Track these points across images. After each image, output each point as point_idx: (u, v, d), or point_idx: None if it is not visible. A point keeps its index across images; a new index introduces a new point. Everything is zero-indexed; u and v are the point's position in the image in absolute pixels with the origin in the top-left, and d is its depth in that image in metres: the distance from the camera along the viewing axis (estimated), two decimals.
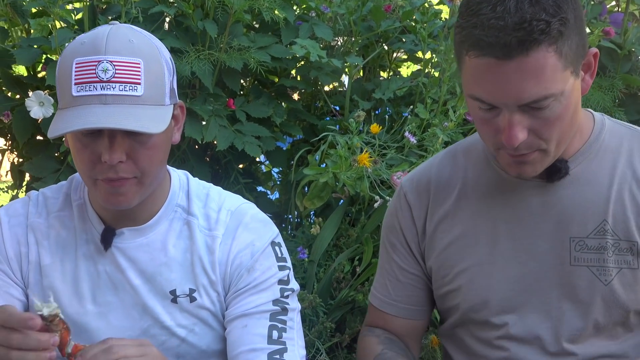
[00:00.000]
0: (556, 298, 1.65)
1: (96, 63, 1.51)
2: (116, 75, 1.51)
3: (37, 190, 1.77)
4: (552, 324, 1.65)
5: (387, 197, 2.93)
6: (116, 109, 1.50)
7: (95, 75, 1.51)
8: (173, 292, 1.68)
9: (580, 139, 1.66)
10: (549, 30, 1.41)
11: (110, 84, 1.51)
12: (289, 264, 1.76)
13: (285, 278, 1.73)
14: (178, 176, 1.76)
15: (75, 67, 1.52)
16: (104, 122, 1.49)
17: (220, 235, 1.70)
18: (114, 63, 1.51)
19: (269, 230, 1.76)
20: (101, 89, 1.50)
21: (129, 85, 1.52)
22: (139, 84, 1.53)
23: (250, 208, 1.77)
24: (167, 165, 1.74)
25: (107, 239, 1.68)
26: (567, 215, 1.63)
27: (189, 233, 1.70)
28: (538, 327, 1.66)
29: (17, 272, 1.70)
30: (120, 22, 1.61)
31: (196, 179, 1.79)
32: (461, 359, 1.77)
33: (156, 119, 1.54)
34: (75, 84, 1.51)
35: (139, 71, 1.53)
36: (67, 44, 2.84)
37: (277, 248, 1.74)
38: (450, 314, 1.77)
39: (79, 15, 3.18)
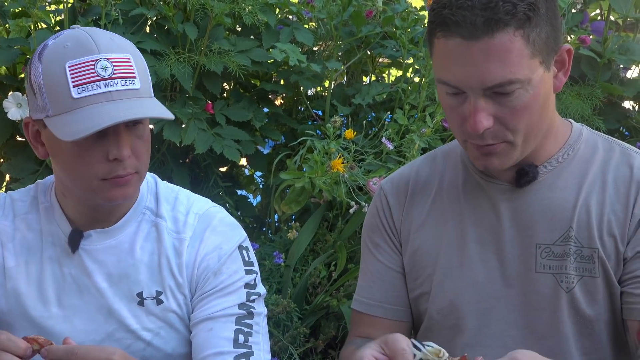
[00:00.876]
0: (522, 305, 1.64)
1: (94, 62, 1.53)
2: (115, 71, 1.53)
3: (5, 193, 1.77)
4: (519, 332, 1.65)
5: (364, 203, 2.94)
6: (124, 103, 1.53)
7: (95, 74, 1.52)
8: (140, 295, 1.68)
9: (554, 145, 1.65)
10: (515, 12, 1.42)
11: (112, 80, 1.53)
12: (256, 268, 1.76)
13: (252, 282, 1.73)
14: (146, 179, 1.76)
15: (70, 70, 1.52)
16: (126, 115, 1.51)
17: (187, 238, 1.71)
18: (111, 60, 1.54)
19: (237, 234, 1.76)
20: (105, 86, 1.52)
21: (128, 79, 1.55)
22: (135, 77, 1.56)
23: (218, 212, 1.77)
24: None
25: (74, 241, 1.68)
26: (535, 222, 1.63)
27: (156, 235, 1.70)
28: (505, 335, 1.65)
29: None
30: (100, 24, 1.63)
31: (165, 182, 1.80)
32: None
33: (160, 107, 1.58)
34: (75, 85, 1.52)
35: (132, 65, 1.56)
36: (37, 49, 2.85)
37: (244, 252, 1.75)
38: (422, 318, 1.76)
39: (58, 17, 3.18)
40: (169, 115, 1.56)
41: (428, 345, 1.34)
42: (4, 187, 3.53)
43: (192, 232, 1.71)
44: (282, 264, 2.94)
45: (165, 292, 1.69)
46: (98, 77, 1.52)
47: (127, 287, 1.69)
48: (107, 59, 1.54)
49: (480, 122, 1.48)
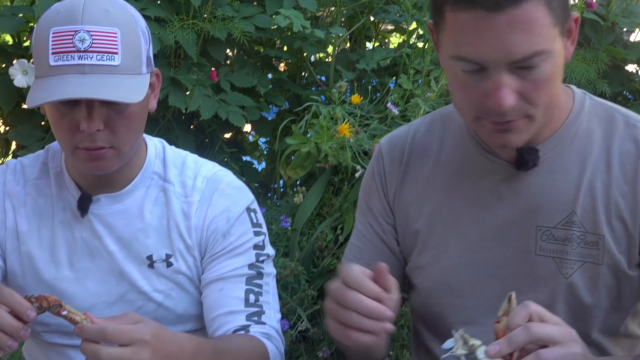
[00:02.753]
0: (519, 287, 1.53)
1: (73, 33, 1.52)
2: (93, 45, 1.52)
3: (15, 159, 1.79)
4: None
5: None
6: (94, 78, 1.52)
7: (72, 45, 1.52)
8: (150, 258, 1.71)
9: (557, 119, 1.58)
10: None
11: (88, 53, 1.52)
12: (264, 229, 1.78)
13: (261, 243, 1.75)
14: (154, 144, 1.78)
15: (52, 37, 1.53)
16: (81, 92, 1.50)
17: (196, 201, 1.73)
18: (91, 33, 1.52)
19: (245, 196, 1.78)
20: (79, 58, 1.52)
21: (106, 55, 1.53)
22: (116, 53, 1.54)
23: (225, 175, 1.79)
24: (145, 135, 1.77)
25: (83, 205, 1.70)
26: (536, 204, 1.57)
27: (165, 199, 1.72)
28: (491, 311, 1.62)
29: None
30: None
31: (172, 147, 1.81)
32: (429, 337, 1.74)
33: (134, 88, 1.56)
34: (53, 53, 1.52)
35: (116, 41, 1.54)
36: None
37: (252, 214, 1.77)
38: (416, 292, 1.74)
39: None
40: (127, 99, 1.54)
41: (449, 347, 1.33)
42: (11, 154, 3.55)
43: (200, 196, 1.73)
44: (289, 228, 2.97)
45: (174, 255, 1.71)
46: (74, 49, 1.52)
47: (137, 250, 1.71)
48: (88, 31, 1.52)
49: (505, 99, 1.39)
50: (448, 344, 1.30)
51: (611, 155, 1.55)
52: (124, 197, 1.72)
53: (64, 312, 1.38)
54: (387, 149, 1.76)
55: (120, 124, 1.58)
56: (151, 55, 1.66)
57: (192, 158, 1.80)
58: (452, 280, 1.64)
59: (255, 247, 1.74)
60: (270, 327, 1.68)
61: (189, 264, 1.72)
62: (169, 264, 1.71)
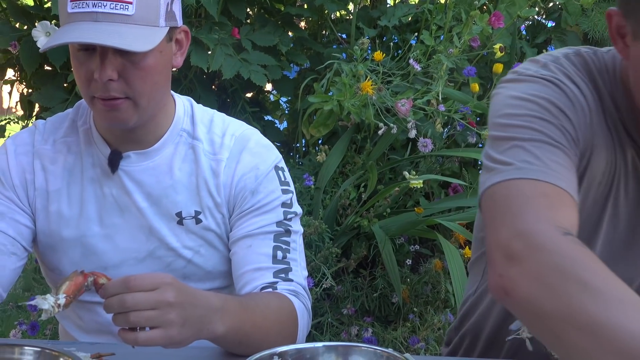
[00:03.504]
0: None
1: None
2: None
3: (43, 119, 1.80)
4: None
5: (392, 125, 2.95)
6: (105, 26, 1.52)
7: None
8: (179, 214, 1.72)
9: None
10: None
11: (102, 1, 1.52)
12: (292, 188, 1.79)
13: (289, 201, 1.76)
14: (182, 102, 1.78)
15: None
16: (88, 37, 1.51)
17: (224, 159, 1.73)
18: None
19: (273, 154, 1.79)
20: (93, 6, 1.52)
21: (120, 4, 1.53)
22: (131, 3, 1.54)
23: (254, 133, 1.80)
24: (172, 92, 1.77)
25: (114, 162, 1.71)
26: None
27: (194, 157, 1.73)
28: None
29: (24, 199, 1.73)
30: None
31: (200, 105, 1.82)
32: None
33: (144, 38, 1.56)
34: (71, 1, 1.54)
35: None
36: None
37: (280, 172, 1.77)
38: None
39: None
40: (135, 47, 1.53)
41: (517, 328, 1.34)
42: (34, 116, 3.58)
43: (228, 153, 1.74)
44: (312, 186, 2.98)
45: (203, 212, 1.72)
46: None
47: (166, 207, 1.72)
48: None
49: None
50: (516, 325, 1.30)
51: None
52: (154, 154, 1.73)
53: (101, 280, 1.41)
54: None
55: (135, 75, 1.58)
56: (176, 10, 1.65)
57: (219, 116, 1.80)
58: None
59: (283, 204, 1.75)
60: (297, 284, 1.69)
61: (218, 221, 1.74)
62: (198, 221, 1.72)
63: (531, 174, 1.25)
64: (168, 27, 1.60)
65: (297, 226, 1.76)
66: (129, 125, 1.63)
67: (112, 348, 1.57)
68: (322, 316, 3.02)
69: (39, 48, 2.88)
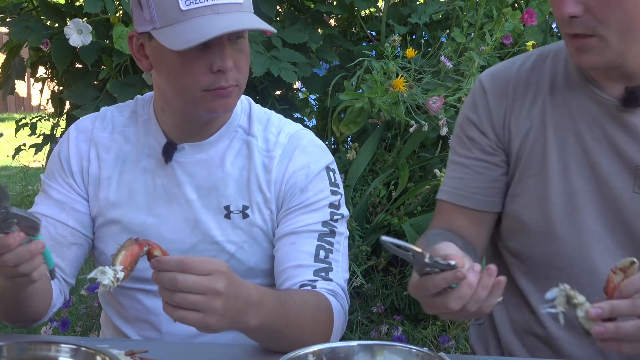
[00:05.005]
0: (613, 222, 1.61)
1: None
2: None
3: (107, 107, 1.84)
4: (605, 245, 1.60)
5: (423, 122, 2.94)
6: (230, 16, 1.57)
7: None
8: (227, 208, 1.74)
9: None
10: None
11: None
12: (341, 190, 1.80)
13: (337, 203, 1.77)
14: (241, 100, 1.82)
15: None
16: (235, 25, 1.56)
17: (277, 155, 1.75)
18: None
19: (325, 155, 1.80)
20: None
21: None
22: None
23: (308, 134, 1.82)
24: None
25: (168, 152, 1.74)
26: (636, 144, 1.57)
27: (247, 152, 1.76)
28: (594, 248, 1.62)
29: (82, 186, 1.77)
30: None
31: (258, 104, 1.85)
32: (518, 272, 1.73)
33: (260, 22, 1.63)
34: None
35: None
36: None
37: (331, 173, 1.78)
38: (509, 218, 1.73)
39: None
40: (271, 29, 1.61)
41: (553, 297, 1.29)
42: (65, 114, 3.60)
43: (282, 151, 1.75)
44: (342, 184, 2.97)
45: (251, 207, 1.74)
46: None
47: (216, 199, 1.74)
48: None
49: (567, 7, 1.45)
50: (551, 294, 1.29)
51: None
52: (208, 146, 1.75)
53: (155, 252, 1.40)
54: (491, 84, 1.75)
55: (243, 61, 1.63)
56: None
57: (277, 116, 1.83)
58: (549, 209, 1.64)
59: (331, 205, 1.75)
60: (336, 285, 1.69)
61: (265, 217, 1.74)
62: (245, 216, 1.73)
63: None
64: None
65: (342, 228, 1.76)
66: (231, 111, 1.70)
67: (145, 345, 1.58)
68: (352, 314, 3.02)
69: (71, 46, 2.90)
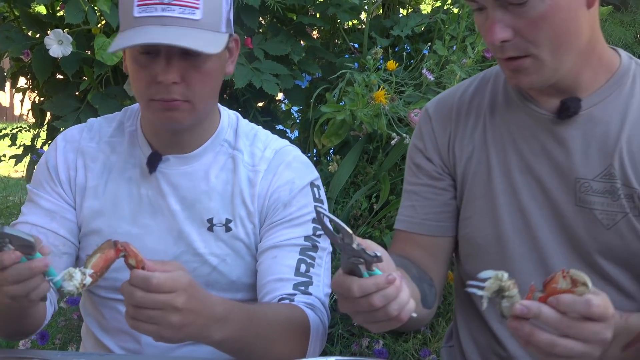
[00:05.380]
0: (564, 236, 1.61)
1: None
2: None
3: (95, 118, 1.85)
4: (560, 260, 1.62)
5: (404, 135, 2.94)
6: (174, 30, 1.56)
7: None
8: (210, 221, 1.74)
9: (601, 76, 1.61)
10: None
11: (170, 6, 1.57)
12: (325, 206, 1.81)
13: None
14: (228, 114, 1.83)
15: None
16: (161, 39, 1.55)
17: (262, 170, 1.76)
18: None
19: (310, 172, 1.81)
20: (162, 10, 1.57)
21: (188, 9, 1.57)
22: (198, 8, 1.58)
23: (294, 150, 1.83)
24: (219, 105, 1.81)
25: (153, 163, 1.74)
26: (576, 156, 1.59)
27: (232, 166, 1.76)
28: (549, 262, 1.62)
29: (70, 195, 1.78)
30: None
31: (246, 120, 1.85)
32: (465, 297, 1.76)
33: (211, 42, 1.60)
34: (137, 5, 1.58)
35: None
36: None
37: (315, 189, 1.79)
38: (464, 242, 1.75)
39: None
40: (204, 49, 1.57)
41: (487, 277, 1.26)
42: (46, 124, 3.58)
43: (267, 166, 1.76)
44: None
45: (234, 220, 1.74)
46: (158, 1, 1.57)
47: (199, 212, 1.74)
48: None
49: (496, 33, 1.46)
50: (485, 275, 1.27)
51: None
52: (193, 159, 1.75)
53: (130, 261, 1.40)
54: (435, 110, 1.78)
55: (196, 79, 1.62)
56: (231, 18, 1.70)
57: (264, 132, 1.84)
58: (502, 229, 1.66)
59: (314, 220, 1.75)
60: (315, 298, 1.69)
61: (248, 231, 1.75)
62: (228, 229, 1.74)
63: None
64: (228, 34, 1.65)
65: (325, 243, 1.77)
66: (184, 126, 1.67)
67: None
68: (332, 327, 3.00)
69: (52, 56, 2.89)
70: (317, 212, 1.28)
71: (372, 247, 1.26)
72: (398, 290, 1.27)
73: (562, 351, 1.23)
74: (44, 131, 3.67)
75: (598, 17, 1.59)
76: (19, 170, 5.35)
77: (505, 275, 1.25)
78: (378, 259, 1.23)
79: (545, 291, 1.25)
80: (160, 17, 1.56)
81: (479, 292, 1.25)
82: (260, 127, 1.85)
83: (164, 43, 1.55)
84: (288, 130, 3.75)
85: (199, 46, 1.56)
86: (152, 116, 1.69)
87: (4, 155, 4.09)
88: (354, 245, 1.22)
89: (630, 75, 1.62)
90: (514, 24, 1.47)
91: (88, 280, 1.34)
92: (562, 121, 1.60)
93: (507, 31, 1.47)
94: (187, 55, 1.58)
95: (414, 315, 1.30)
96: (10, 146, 3.99)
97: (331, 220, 1.25)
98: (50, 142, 3.37)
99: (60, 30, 2.88)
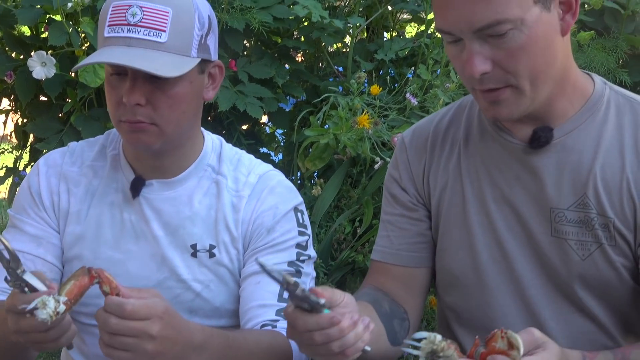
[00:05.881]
0: (540, 266, 1.61)
1: (127, 7, 1.59)
2: (143, 20, 1.59)
3: (77, 142, 1.86)
4: (537, 291, 1.60)
5: (388, 159, 2.94)
6: (137, 51, 1.58)
7: (124, 18, 1.59)
8: (194, 246, 1.74)
9: (574, 104, 1.60)
10: None
11: (136, 27, 1.58)
12: (309, 231, 1.80)
13: (304, 244, 1.77)
14: (212, 139, 1.83)
15: (111, 10, 1.61)
16: (119, 59, 1.57)
17: (246, 195, 1.76)
18: (144, 8, 1.59)
19: (294, 197, 1.81)
20: (127, 31, 1.58)
21: (153, 31, 1.59)
22: (164, 31, 1.59)
23: (277, 175, 1.83)
24: (203, 129, 1.81)
25: (136, 187, 1.74)
26: (550, 185, 1.59)
27: (216, 192, 1.76)
28: (525, 293, 1.63)
29: (54, 220, 1.77)
30: None
31: (230, 144, 1.85)
32: (456, 326, 1.75)
33: (174, 66, 1.59)
34: (108, 25, 1.61)
35: (166, 19, 1.60)
36: (69, 3, 2.85)
37: (299, 214, 1.79)
38: (443, 273, 1.75)
39: None
40: (162, 72, 1.57)
41: (422, 338, 1.26)
42: (29, 146, 3.56)
43: (251, 191, 1.76)
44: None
45: (218, 246, 1.74)
46: (125, 22, 1.59)
47: (182, 237, 1.74)
48: (141, 6, 1.59)
49: (475, 66, 1.45)
50: (420, 334, 1.26)
51: (624, 142, 1.57)
52: (176, 184, 1.75)
53: (105, 288, 1.39)
54: (411, 140, 1.78)
55: (163, 102, 1.62)
56: (210, 44, 1.69)
57: (247, 156, 1.84)
58: (479, 260, 1.65)
59: (298, 245, 1.76)
60: None
61: (232, 257, 1.74)
62: (212, 255, 1.73)
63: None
64: (200, 59, 1.64)
65: (309, 269, 1.77)
66: (153, 149, 1.67)
67: None
68: None
69: (35, 78, 2.88)
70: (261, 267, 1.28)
71: (320, 294, 1.29)
72: (342, 332, 1.28)
73: None
74: (26, 153, 3.65)
75: (570, 44, 1.59)
76: (1, 192, 5.31)
77: (439, 337, 1.24)
78: (321, 305, 1.27)
79: (487, 347, 1.25)
80: (126, 38, 1.58)
81: (415, 352, 1.26)
82: (244, 152, 1.85)
83: (118, 63, 1.56)
84: (272, 153, 3.75)
85: (156, 69, 1.56)
86: (122, 137, 1.70)
87: None
88: (298, 292, 1.26)
89: (604, 101, 1.61)
90: (492, 55, 1.46)
91: (62, 307, 1.32)
92: (534, 151, 1.60)
93: (487, 63, 1.46)
94: (154, 78, 1.58)
95: (368, 349, 1.33)
96: None
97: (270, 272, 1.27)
98: (32, 163, 3.35)
99: (44, 52, 2.87)
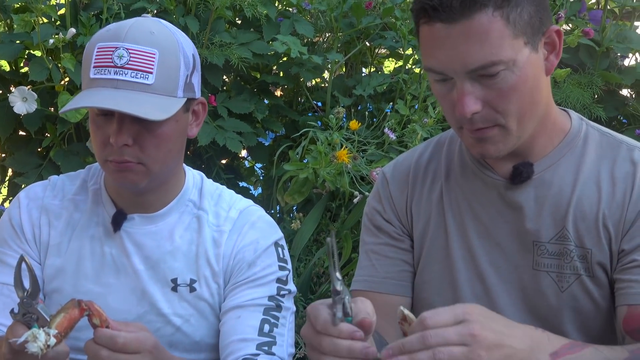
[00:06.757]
0: (523, 299, 1.63)
1: (114, 49, 1.59)
2: (130, 62, 1.58)
3: (58, 176, 1.85)
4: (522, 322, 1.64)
5: (367, 193, 2.96)
6: (124, 93, 1.57)
7: (111, 60, 1.59)
8: (174, 281, 1.74)
9: (552, 140, 1.63)
10: None
11: (124, 70, 1.58)
12: (289, 266, 1.81)
13: (284, 278, 1.78)
14: (193, 175, 1.84)
15: (97, 51, 1.61)
16: (108, 103, 1.56)
17: (227, 230, 1.76)
18: (130, 50, 1.59)
19: (274, 232, 1.82)
20: (114, 73, 1.58)
21: (140, 73, 1.58)
22: (151, 73, 1.59)
23: (258, 210, 1.84)
24: (184, 165, 1.81)
25: (117, 221, 1.74)
26: (531, 219, 1.60)
27: (197, 227, 1.76)
28: None
29: (36, 252, 1.76)
30: (102, 17, 1.66)
31: (210, 180, 1.87)
32: None
33: (161, 108, 1.59)
34: (94, 66, 1.60)
35: (153, 61, 1.59)
36: (50, 40, 2.87)
37: (279, 249, 1.80)
38: (424, 305, 1.74)
39: (62, 11, 3.19)
40: (151, 116, 1.57)
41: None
42: (7, 181, 3.55)
43: (232, 226, 1.77)
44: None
45: (199, 281, 1.74)
46: (112, 64, 1.58)
47: (163, 272, 1.74)
48: (127, 49, 1.59)
49: (467, 106, 1.45)
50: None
51: (600, 176, 1.59)
52: (158, 219, 1.75)
53: (95, 320, 1.40)
54: (392, 174, 1.80)
55: (150, 142, 1.62)
56: (195, 82, 1.70)
57: (228, 192, 1.85)
58: (462, 295, 1.66)
59: (278, 280, 1.76)
60: (278, 359, 1.69)
61: (212, 291, 1.74)
62: (192, 289, 1.74)
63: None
64: (186, 98, 1.64)
65: (289, 303, 1.78)
66: (139, 187, 1.67)
67: None
68: None
69: (14, 113, 2.88)
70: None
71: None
72: (351, 351, 1.27)
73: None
74: (5, 187, 3.63)
75: (550, 82, 1.61)
76: None
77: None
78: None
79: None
80: (114, 80, 1.58)
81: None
82: (225, 187, 1.86)
83: (108, 108, 1.57)
84: (251, 188, 3.76)
85: (145, 113, 1.56)
86: (108, 176, 1.70)
87: None
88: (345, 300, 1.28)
89: (582, 136, 1.64)
90: (484, 95, 1.47)
91: (52, 340, 1.33)
92: (515, 186, 1.62)
93: (478, 103, 1.47)
94: (140, 119, 1.58)
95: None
96: None
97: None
98: (11, 198, 3.34)
99: (25, 88, 2.88)
